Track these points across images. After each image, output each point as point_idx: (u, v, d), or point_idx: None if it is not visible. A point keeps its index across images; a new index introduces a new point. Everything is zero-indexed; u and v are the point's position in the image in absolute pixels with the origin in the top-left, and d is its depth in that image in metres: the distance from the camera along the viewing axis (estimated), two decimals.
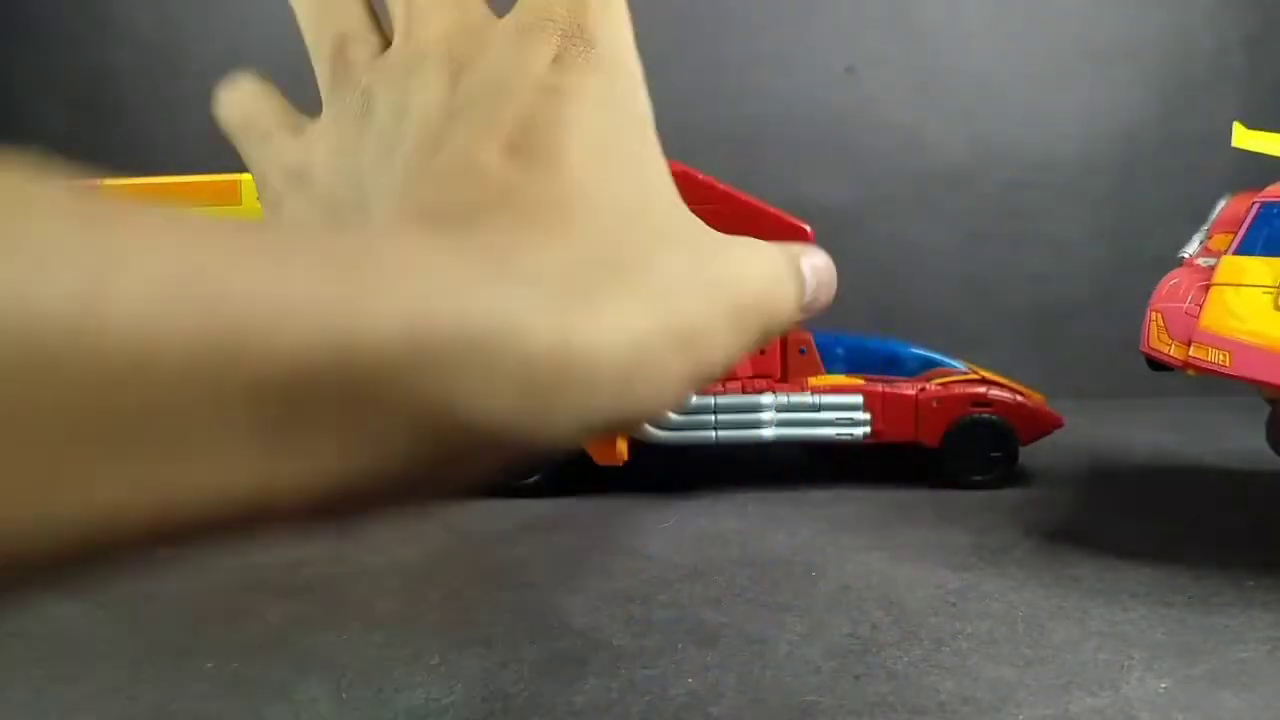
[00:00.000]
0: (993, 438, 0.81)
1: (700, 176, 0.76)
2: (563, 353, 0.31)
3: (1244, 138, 0.90)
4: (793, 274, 0.46)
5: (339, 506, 0.28)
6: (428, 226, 0.33)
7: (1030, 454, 0.85)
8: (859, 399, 0.80)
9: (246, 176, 0.80)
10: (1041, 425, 0.82)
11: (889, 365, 0.85)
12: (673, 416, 0.78)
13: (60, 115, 1.24)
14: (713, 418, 0.79)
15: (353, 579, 0.62)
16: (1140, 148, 1.40)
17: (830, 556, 0.64)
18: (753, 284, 0.43)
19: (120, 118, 1.24)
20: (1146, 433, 1.06)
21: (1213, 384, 1.24)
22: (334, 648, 0.51)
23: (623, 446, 0.80)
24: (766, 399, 0.78)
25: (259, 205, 0.57)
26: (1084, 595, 0.56)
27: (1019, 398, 0.81)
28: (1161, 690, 0.43)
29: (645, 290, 0.35)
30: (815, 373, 0.84)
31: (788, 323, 0.44)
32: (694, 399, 0.76)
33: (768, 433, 0.79)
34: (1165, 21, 1.41)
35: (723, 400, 0.77)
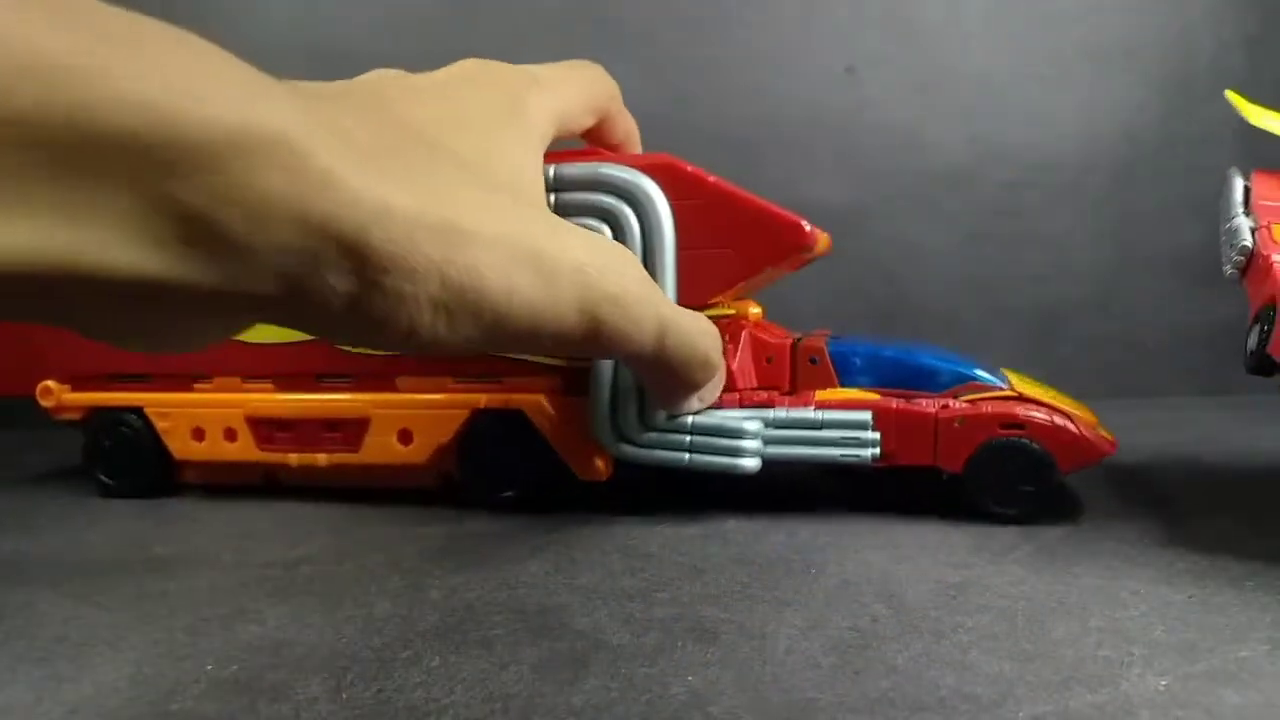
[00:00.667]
0: (1025, 465, 0.69)
1: (688, 169, 0.70)
2: (327, 177, 0.30)
3: (1258, 116, 0.81)
4: (714, 342, 0.59)
5: (72, 279, 0.26)
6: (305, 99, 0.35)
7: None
8: (867, 416, 0.70)
9: None
10: (1086, 453, 0.68)
11: (917, 378, 0.73)
12: (646, 435, 0.72)
13: None
14: (687, 438, 0.71)
15: (353, 579, 0.62)
16: (1140, 148, 1.40)
17: (830, 554, 0.64)
18: (573, 254, 0.44)
19: None
20: (1146, 433, 1.06)
21: (1212, 384, 1.24)
22: (334, 648, 0.51)
23: (602, 463, 0.76)
24: (751, 425, 0.70)
25: None
26: (1084, 593, 0.56)
27: (1058, 420, 0.69)
28: (1161, 688, 0.43)
29: (429, 186, 0.36)
30: (827, 385, 0.74)
31: (637, 336, 0.44)
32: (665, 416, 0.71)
33: (748, 462, 0.70)
34: (1165, 21, 1.41)
35: (699, 420, 0.70)
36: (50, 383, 0.86)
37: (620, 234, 0.69)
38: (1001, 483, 0.70)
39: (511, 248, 0.41)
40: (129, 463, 0.86)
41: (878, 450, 0.71)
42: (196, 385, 0.85)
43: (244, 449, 0.84)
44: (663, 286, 0.69)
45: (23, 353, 0.86)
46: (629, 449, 0.73)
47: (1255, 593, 0.56)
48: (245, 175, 0.30)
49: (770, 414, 0.72)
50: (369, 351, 0.79)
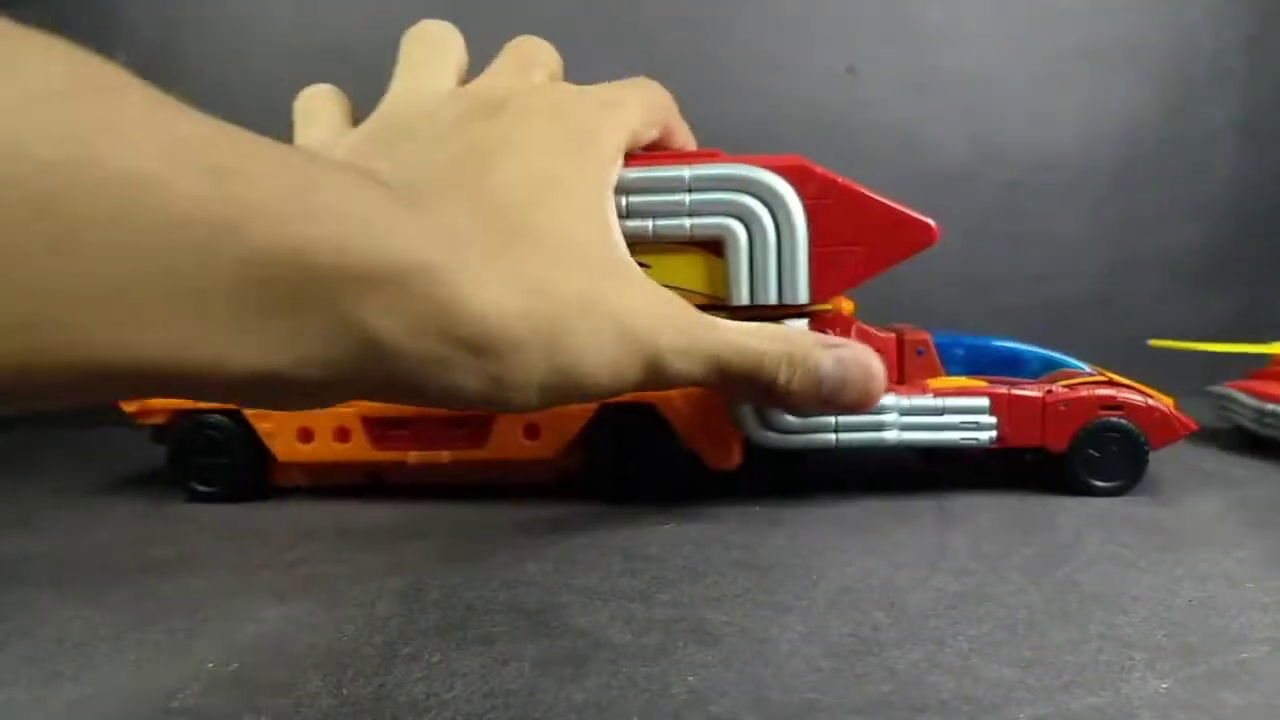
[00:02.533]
0: (1123, 443, 0.77)
1: (818, 170, 0.73)
2: (448, 298, 0.37)
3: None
4: (780, 353, 0.49)
5: (271, 385, 0.31)
6: (392, 193, 0.37)
7: (1031, 461, 0.84)
8: (985, 402, 0.76)
9: None
10: (1173, 430, 0.78)
11: (1009, 366, 0.82)
12: (789, 419, 0.76)
13: None
14: (833, 419, 0.76)
15: (353, 579, 0.62)
16: (1140, 148, 1.40)
17: (831, 560, 0.64)
18: (642, 314, 0.46)
19: None
20: None
21: (1210, 384, 1.24)
22: (334, 645, 0.51)
23: (736, 451, 0.80)
24: (889, 400, 0.76)
25: None
26: (1084, 599, 0.56)
27: (1151, 401, 0.78)
28: (1162, 690, 0.44)
29: (535, 279, 0.38)
30: (934, 374, 0.81)
31: (691, 376, 0.45)
32: None
33: (890, 435, 0.76)
34: (1165, 21, 1.41)
35: None
36: None
37: (756, 232, 0.72)
38: (1101, 460, 0.78)
39: (599, 319, 0.45)
40: (224, 467, 0.83)
41: (995, 433, 0.77)
42: None
43: (356, 448, 0.82)
44: (795, 282, 0.72)
45: None
46: (774, 435, 0.77)
47: (1255, 594, 0.56)
48: (404, 299, 0.37)
49: (893, 400, 0.77)
50: None
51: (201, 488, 0.84)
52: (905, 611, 0.55)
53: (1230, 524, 0.71)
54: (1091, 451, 0.78)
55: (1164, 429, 0.78)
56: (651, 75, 1.26)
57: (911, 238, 0.75)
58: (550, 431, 0.81)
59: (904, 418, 0.77)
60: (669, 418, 0.80)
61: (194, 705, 0.44)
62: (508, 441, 0.81)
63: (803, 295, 0.73)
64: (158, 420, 0.84)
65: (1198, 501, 0.77)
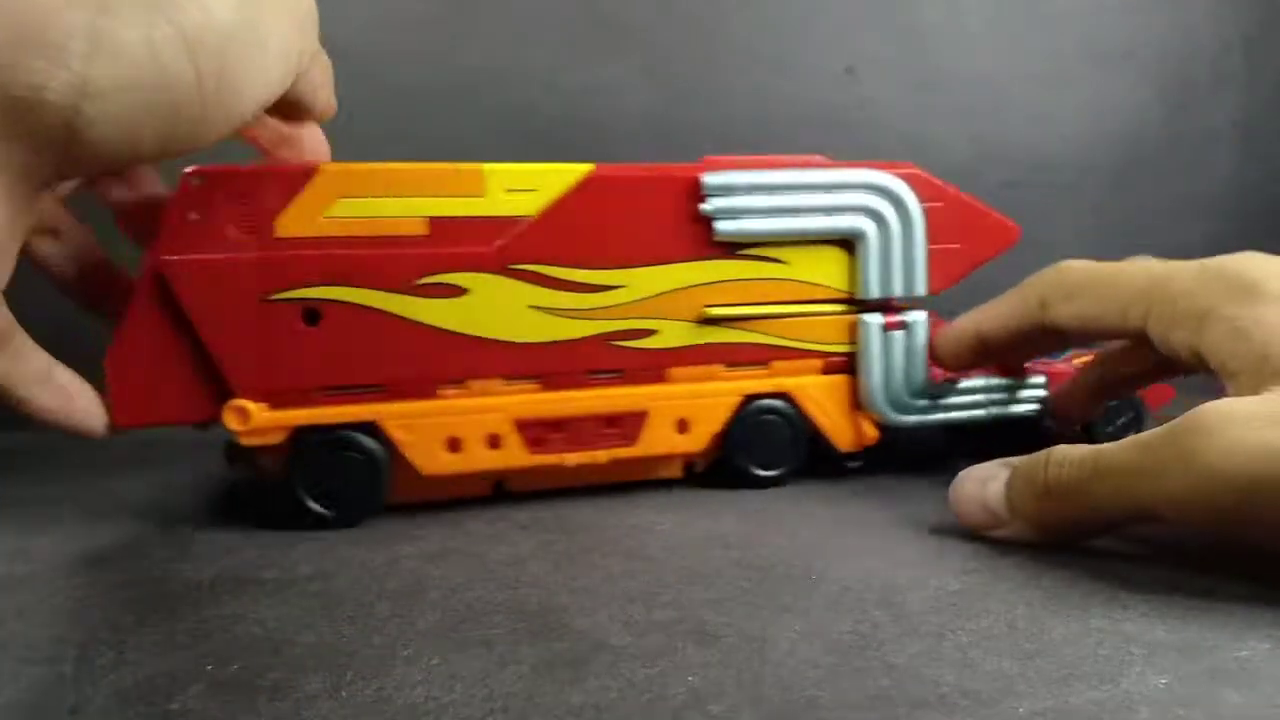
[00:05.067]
0: (1129, 410, 0.96)
1: (928, 177, 0.84)
2: None
3: None
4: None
5: None
6: None
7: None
8: (1043, 378, 0.90)
9: (491, 166, 0.75)
10: (1163, 396, 0.97)
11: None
12: (918, 401, 0.85)
13: None
14: (943, 400, 0.86)
15: (353, 579, 0.62)
16: (1140, 148, 1.41)
17: (830, 561, 0.64)
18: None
19: None
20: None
21: (1211, 384, 1.25)
22: (334, 646, 0.51)
23: (868, 433, 0.85)
24: (981, 380, 0.87)
25: (505, 197, 0.70)
26: (1084, 594, 0.56)
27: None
28: (1162, 685, 0.44)
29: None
30: None
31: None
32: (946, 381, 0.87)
33: (982, 412, 0.88)
34: (1165, 21, 1.41)
35: (973, 382, 0.88)
36: (244, 401, 0.71)
37: (884, 230, 0.83)
38: (1113, 427, 0.96)
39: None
40: (353, 485, 0.75)
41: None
42: (442, 392, 0.76)
43: (510, 454, 0.77)
44: (915, 277, 0.84)
45: (191, 373, 0.71)
46: (906, 417, 0.85)
47: (1256, 592, 0.56)
48: None
49: (984, 380, 0.88)
50: (639, 346, 0.80)
51: (324, 511, 0.74)
52: (905, 609, 0.55)
53: None
54: (1119, 419, 0.95)
55: (1158, 398, 0.96)
56: (651, 74, 1.27)
57: (1000, 238, 0.88)
58: (700, 424, 0.82)
59: (991, 395, 0.88)
60: (803, 404, 0.84)
61: (194, 706, 0.44)
62: (659, 437, 0.81)
63: (921, 288, 0.84)
64: (273, 439, 0.72)
65: None
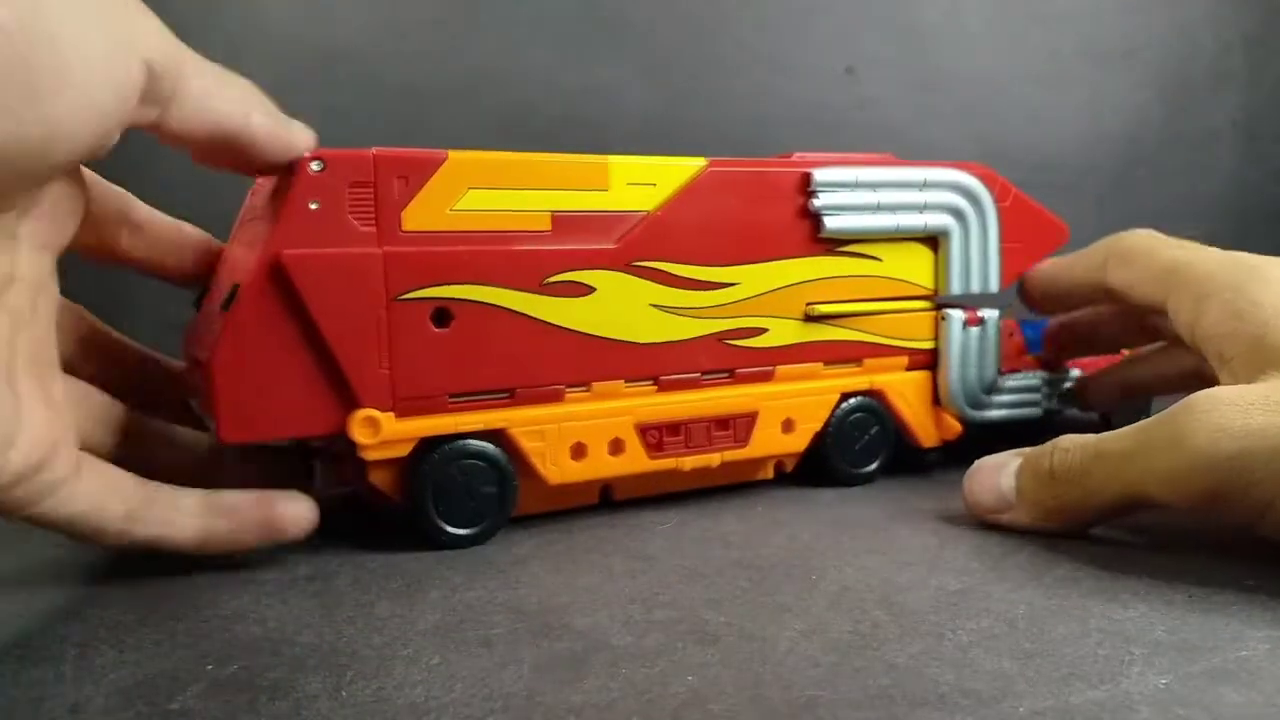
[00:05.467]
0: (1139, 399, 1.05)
1: (998, 176, 0.86)
2: None
3: None
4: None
5: None
6: None
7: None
8: (1079, 372, 0.95)
9: (615, 159, 0.72)
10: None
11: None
12: (990, 398, 0.88)
13: None
14: (1010, 398, 0.89)
15: (353, 579, 0.62)
16: (1141, 148, 1.41)
17: (831, 559, 0.64)
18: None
19: None
20: None
21: (1212, 384, 1.24)
22: (334, 646, 0.51)
23: (950, 428, 0.87)
24: (1036, 377, 0.91)
25: (626, 191, 0.67)
26: (1084, 595, 0.56)
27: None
28: (1162, 686, 0.44)
29: None
30: (1022, 354, 0.93)
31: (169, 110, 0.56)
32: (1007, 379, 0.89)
33: (1040, 408, 0.91)
34: (1165, 21, 1.41)
35: (1029, 381, 0.91)
36: (372, 411, 0.64)
37: (965, 228, 0.85)
38: (1124, 412, 1.01)
39: None
40: (482, 501, 0.69)
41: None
42: (569, 395, 0.72)
43: (632, 460, 0.74)
44: (990, 274, 0.87)
45: (310, 381, 0.63)
46: (980, 413, 0.88)
47: (1255, 592, 0.56)
48: None
49: (1039, 377, 0.91)
50: (751, 345, 0.78)
51: (456, 530, 0.68)
52: (905, 608, 0.55)
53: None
54: (1129, 405, 1.01)
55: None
56: (651, 74, 1.26)
57: (1054, 238, 0.91)
58: (803, 424, 0.81)
59: (1046, 390, 0.92)
60: (892, 400, 0.85)
61: (194, 705, 0.44)
62: (768, 438, 0.80)
63: (994, 285, 0.87)
64: (395, 453, 0.66)
65: None
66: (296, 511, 0.63)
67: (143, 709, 0.44)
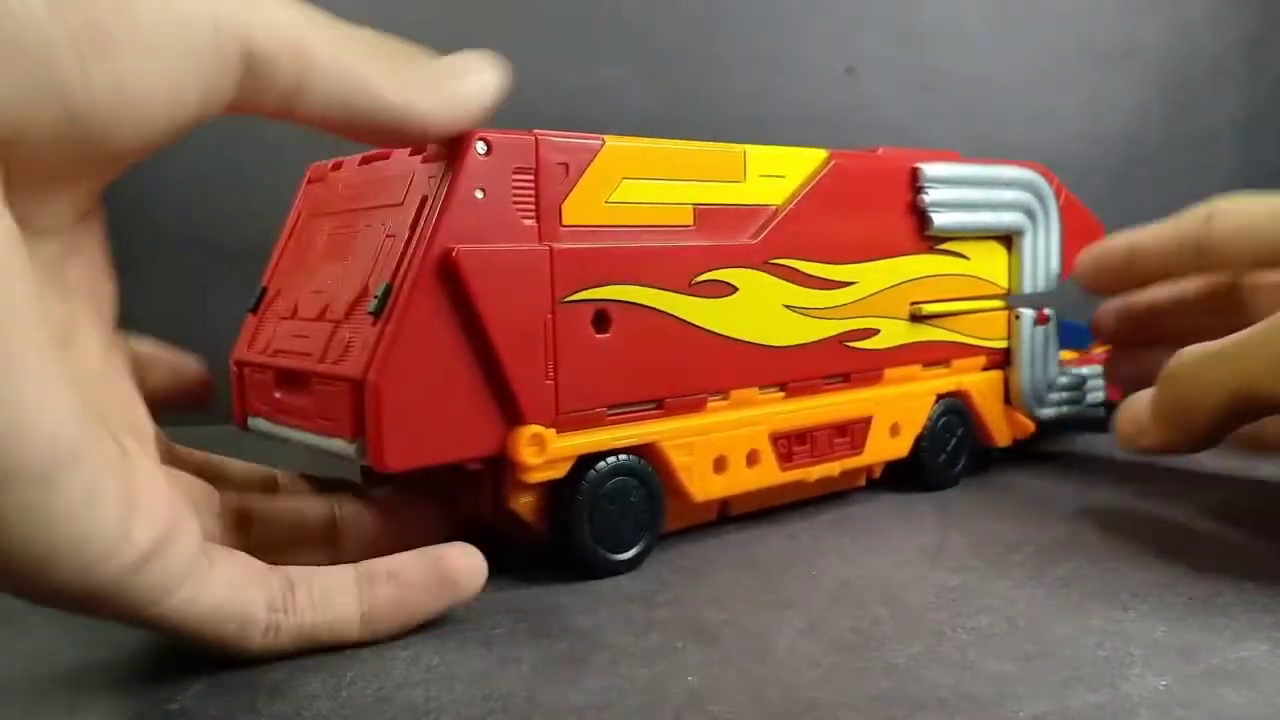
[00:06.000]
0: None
1: (1053, 175, 0.89)
2: None
3: None
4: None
5: None
6: None
7: (1030, 457, 0.91)
8: (1102, 369, 0.95)
9: (752, 148, 0.68)
10: None
11: (1082, 339, 0.99)
12: (1052, 395, 0.89)
13: None
14: (1068, 395, 0.91)
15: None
16: (1140, 148, 1.40)
17: (830, 558, 0.64)
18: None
19: None
20: None
21: None
22: (334, 648, 0.51)
23: (1023, 419, 0.88)
24: (1088, 369, 0.93)
25: (760, 183, 0.63)
26: (1084, 595, 0.56)
27: None
28: (1161, 687, 0.44)
29: None
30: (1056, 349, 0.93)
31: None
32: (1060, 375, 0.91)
33: (1088, 402, 0.93)
34: (1165, 21, 1.41)
35: (1076, 379, 0.92)
36: (537, 427, 0.57)
37: (1035, 225, 0.87)
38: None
39: None
40: (633, 521, 0.63)
41: (1105, 394, 0.95)
42: (710, 405, 0.67)
43: (766, 473, 0.70)
44: (1053, 271, 0.89)
45: (473, 396, 0.56)
46: (1045, 410, 0.89)
47: (1255, 593, 0.56)
48: None
49: (1090, 370, 0.93)
50: (865, 346, 0.75)
51: (615, 556, 0.62)
52: (905, 606, 0.55)
53: (1230, 522, 0.71)
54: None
55: None
56: (651, 74, 1.26)
57: (1095, 235, 0.92)
58: (907, 428, 0.80)
59: (1096, 385, 0.93)
60: (974, 400, 0.85)
61: (194, 706, 0.44)
62: (879, 444, 0.77)
63: (1055, 283, 0.89)
64: (553, 474, 0.59)
65: (1197, 499, 0.77)
66: (470, 565, 0.53)
67: (143, 709, 0.44)
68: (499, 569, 0.63)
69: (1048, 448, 0.97)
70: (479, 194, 0.55)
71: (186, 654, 0.50)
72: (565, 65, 1.31)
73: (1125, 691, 0.43)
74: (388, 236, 0.56)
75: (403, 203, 0.57)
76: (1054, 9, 1.39)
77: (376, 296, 0.54)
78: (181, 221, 1.25)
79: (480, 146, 0.55)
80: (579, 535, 0.60)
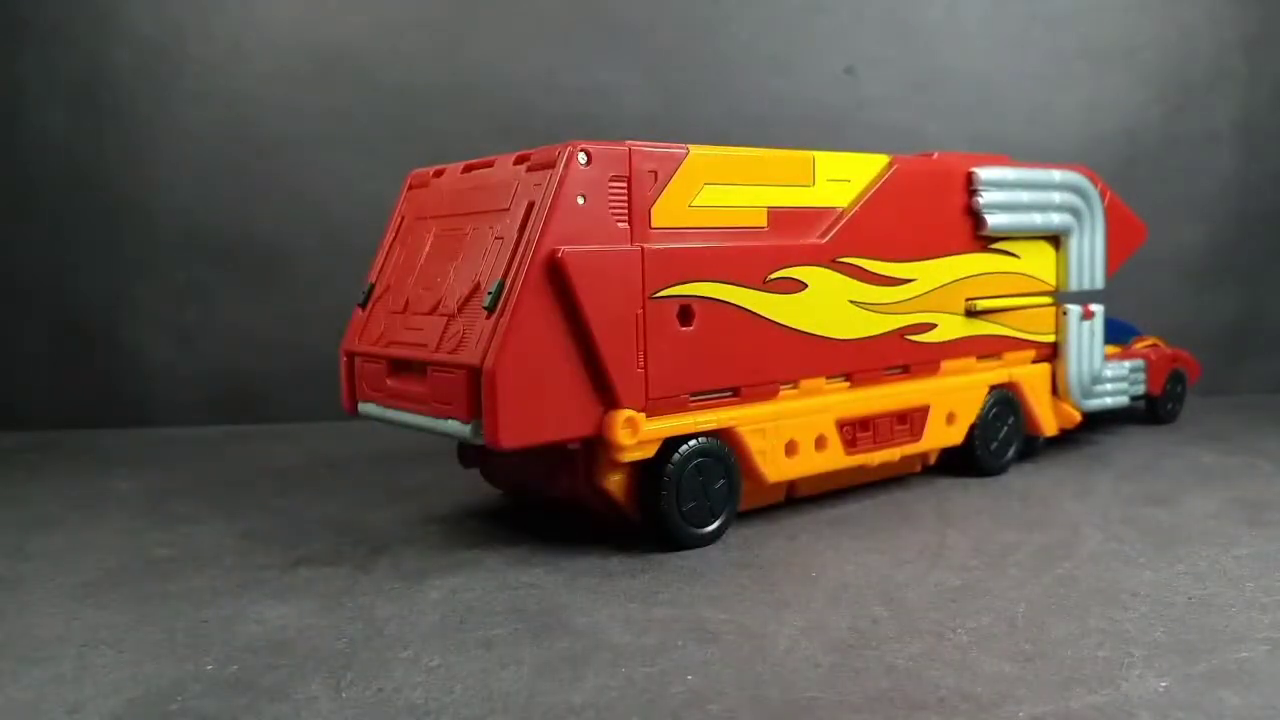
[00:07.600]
0: (1182, 384, 1.15)
1: (1098, 177, 0.93)
2: None
3: None
4: None
5: None
6: None
7: (1030, 458, 0.93)
8: (1143, 363, 1.04)
9: (820, 154, 0.75)
10: (1197, 371, 1.18)
11: (1123, 334, 1.10)
12: (1095, 388, 0.96)
13: (60, 115, 1.24)
14: (1112, 385, 0.99)
15: (353, 579, 0.62)
16: (1140, 148, 1.40)
17: (830, 558, 0.64)
18: None
19: (120, 118, 1.24)
20: (1146, 433, 1.06)
21: (1211, 384, 1.24)
22: (334, 647, 0.51)
23: (1069, 410, 0.93)
24: (1129, 365, 1.01)
25: (827, 187, 0.68)
26: (1084, 595, 0.56)
27: (1186, 354, 1.17)
28: (1161, 688, 0.44)
29: None
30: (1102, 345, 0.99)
31: None
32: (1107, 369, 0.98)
33: (1130, 396, 1.01)
34: (1165, 21, 1.41)
35: (1120, 370, 1.00)
36: (630, 411, 0.64)
37: (1081, 225, 0.92)
38: (1175, 395, 1.14)
39: None
40: (714, 498, 0.68)
41: (1145, 387, 1.06)
42: (782, 393, 0.73)
43: (833, 457, 0.75)
44: (1097, 270, 0.94)
45: (574, 382, 0.63)
46: (1090, 401, 0.95)
47: (1255, 594, 0.56)
48: None
49: (1130, 365, 1.01)
50: (925, 340, 0.81)
51: (699, 530, 0.68)
52: (904, 605, 0.55)
53: (1229, 522, 0.71)
54: (1176, 389, 1.13)
55: (1194, 371, 1.16)
56: (651, 74, 1.26)
57: (1136, 237, 0.98)
58: (962, 416, 0.84)
59: (1134, 378, 1.02)
60: (1025, 391, 0.90)
61: (194, 706, 0.44)
62: (936, 431, 0.82)
63: (1100, 281, 0.93)
64: (644, 454, 0.65)
65: (1197, 499, 0.77)
66: None
67: (143, 709, 0.44)
68: (499, 567, 0.63)
69: (1048, 448, 0.97)
70: (580, 200, 0.62)
71: (186, 653, 0.50)
72: (565, 65, 1.31)
73: (1125, 692, 0.43)
74: (496, 238, 0.63)
75: (509, 208, 0.64)
76: (1054, 9, 1.39)
77: (490, 293, 0.60)
78: (182, 221, 1.25)
79: (582, 157, 0.62)
80: (667, 511, 0.65)
